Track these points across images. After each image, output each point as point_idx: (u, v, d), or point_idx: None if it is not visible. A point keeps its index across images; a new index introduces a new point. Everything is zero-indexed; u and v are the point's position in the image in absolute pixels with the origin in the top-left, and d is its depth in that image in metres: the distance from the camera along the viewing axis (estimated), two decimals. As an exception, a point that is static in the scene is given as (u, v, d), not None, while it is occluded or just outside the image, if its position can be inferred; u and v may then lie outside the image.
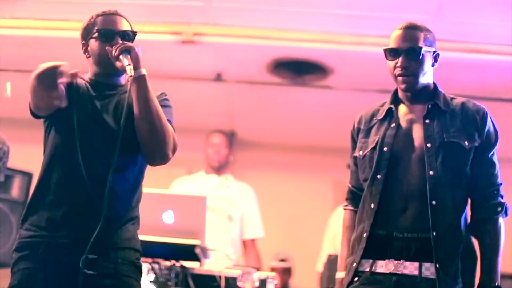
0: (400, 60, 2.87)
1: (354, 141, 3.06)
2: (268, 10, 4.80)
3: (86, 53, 2.85)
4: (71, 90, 2.76)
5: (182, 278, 3.79)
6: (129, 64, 2.64)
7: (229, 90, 6.00)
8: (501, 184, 2.88)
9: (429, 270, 2.80)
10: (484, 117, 2.91)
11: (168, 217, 3.80)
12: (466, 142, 2.86)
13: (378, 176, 2.89)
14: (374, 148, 2.93)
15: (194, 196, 4.15)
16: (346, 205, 3.08)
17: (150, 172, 2.92)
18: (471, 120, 2.90)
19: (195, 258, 3.81)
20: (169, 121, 2.77)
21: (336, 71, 5.37)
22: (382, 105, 3.04)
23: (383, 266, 2.84)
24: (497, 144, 2.91)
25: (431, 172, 2.82)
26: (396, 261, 2.82)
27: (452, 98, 2.98)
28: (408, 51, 2.88)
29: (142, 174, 2.85)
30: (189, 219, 3.88)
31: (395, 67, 2.90)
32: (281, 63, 5.46)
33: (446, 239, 2.81)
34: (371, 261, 2.86)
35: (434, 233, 2.79)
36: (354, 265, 2.87)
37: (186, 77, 5.80)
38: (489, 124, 2.90)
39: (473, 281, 2.86)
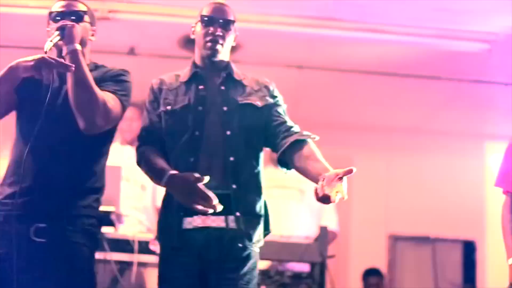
0: (213, 28, 3.13)
1: (155, 98, 3.20)
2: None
3: None
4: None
5: (98, 242, 4.03)
6: (50, 41, 2.89)
7: (142, 64, 6.18)
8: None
9: (232, 222, 3.02)
10: (272, 85, 3.25)
11: (85, 186, 4.01)
12: (259, 102, 3.16)
13: (197, 133, 3.08)
14: (187, 106, 3.13)
15: (109, 166, 4.35)
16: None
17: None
18: (262, 87, 3.23)
19: (110, 223, 4.02)
20: (115, 92, 3.04)
21: (243, 47, 5.62)
22: (179, 73, 3.25)
23: (192, 222, 3.02)
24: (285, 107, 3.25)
25: (228, 132, 3.07)
26: (203, 216, 2.98)
27: (242, 74, 3.26)
28: (225, 22, 3.16)
29: (94, 146, 3.11)
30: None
31: (206, 34, 3.14)
32: (192, 39, 5.70)
33: (243, 192, 3.07)
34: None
35: (234, 186, 3.04)
36: None
37: (101, 50, 5.95)
38: (277, 91, 3.25)
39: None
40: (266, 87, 3.23)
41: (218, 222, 3.01)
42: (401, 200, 8.07)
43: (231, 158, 3.06)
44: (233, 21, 3.20)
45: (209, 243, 3.00)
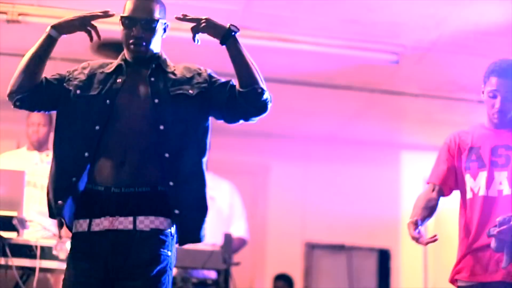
0: (135, 29, 2.93)
1: (72, 71, 3.07)
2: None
3: None
4: None
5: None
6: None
7: (55, 67, 6.13)
8: None
9: (143, 223, 2.84)
10: (207, 70, 3.05)
11: (-12, 190, 3.98)
12: (191, 91, 2.96)
13: (96, 127, 2.90)
14: (95, 96, 2.94)
15: (13, 171, 4.33)
16: None
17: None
18: (195, 74, 3.02)
19: (13, 228, 4.00)
20: None
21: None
22: (110, 62, 3.07)
23: (100, 224, 2.86)
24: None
25: (161, 127, 2.88)
26: (111, 218, 2.84)
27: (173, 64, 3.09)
28: (147, 22, 2.95)
29: None
30: (8, 192, 4.09)
31: (129, 36, 2.96)
32: (105, 44, 5.69)
33: (184, 190, 2.89)
34: (88, 220, 2.89)
35: (171, 183, 2.87)
36: None
37: (12, 53, 5.90)
38: (213, 73, 3.04)
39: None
40: (199, 74, 3.03)
41: (125, 224, 2.84)
42: (318, 208, 8.18)
43: (166, 155, 2.88)
44: (157, 20, 2.98)
45: (116, 247, 2.83)
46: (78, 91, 2.97)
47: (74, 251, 2.94)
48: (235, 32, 3.00)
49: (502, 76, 3.49)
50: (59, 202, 2.93)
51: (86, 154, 2.89)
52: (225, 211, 5.39)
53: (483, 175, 3.46)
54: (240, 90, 2.95)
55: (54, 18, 5.26)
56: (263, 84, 3.00)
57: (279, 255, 7.95)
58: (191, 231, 2.96)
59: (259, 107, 3.00)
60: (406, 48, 5.60)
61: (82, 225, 2.91)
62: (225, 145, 7.44)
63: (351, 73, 6.20)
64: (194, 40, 3.03)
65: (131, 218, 2.84)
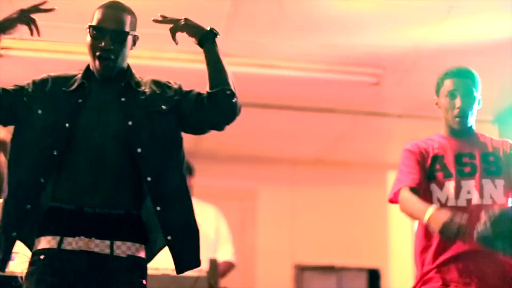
0: (104, 41, 2.78)
1: (28, 91, 2.87)
2: (72, 28, 5.05)
3: None
4: None
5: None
6: None
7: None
8: None
9: (120, 248, 2.76)
10: (174, 82, 2.95)
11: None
12: (163, 106, 2.84)
13: (54, 153, 2.76)
14: (54, 119, 2.80)
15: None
16: None
17: None
18: (164, 88, 2.91)
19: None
20: None
21: (139, 83, 5.65)
22: (74, 76, 2.90)
23: (72, 243, 2.74)
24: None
25: (139, 150, 2.77)
26: (86, 239, 2.73)
27: (139, 77, 2.95)
28: (117, 33, 2.80)
29: None
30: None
31: (96, 48, 2.80)
32: (88, 75, 5.75)
33: (173, 214, 2.81)
34: (58, 237, 2.75)
35: (158, 208, 2.77)
36: None
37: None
38: (179, 83, 2.95)
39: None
40: (169, 87, 2.92)
41: (102, 247, 2.74)
42: (306, 230, 8.21)
43: (148, 178, 2.77)
44: (127, 33, 2.83)
45: (91, 271, 2.73)
46: (39, 111, 2.81)
47: (41, 266, 2.75)
48: (216, 35, 2.99)
49: (458, 76, 3.47)
50: (13, 234, 2.79)
51: (42, 180, 2.77)
52: (211, 236, 5.40)
53: (450, 185, 3.39)
54: (209, 91, 2.87)
55: (36, 51, 5.42)
56: (234, 89, 2.92)
57: (269, 278, 7.95)
58: (189, 256, 2.89)
59: (227, 111, 2.89)
60: (386, 70, 5.67)
61: (50, 242, 2.76)
62: (212, 170, 7.50)
63: (334, 96, 6.27)
64: (174, 40, 2.99)
65: (107, 242, 2.74)
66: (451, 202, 3.38)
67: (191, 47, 5.22)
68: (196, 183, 5.57)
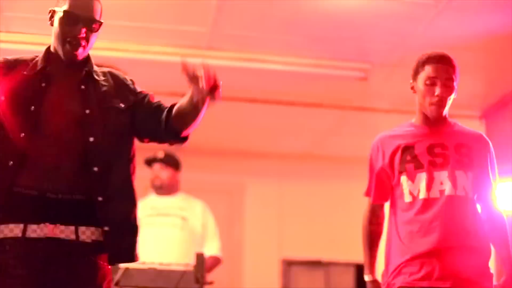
0: (77, 28, 2.76)
1: None
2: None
3: None
4: None
5: None
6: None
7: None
8: None
9: (85, 234, 2.74)
10: (130, 80, 2.93)
11: None
12: (122, 104, 2.85)
13: (21, 134, 2.72)
14: (18, 101, 2.76)
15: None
16: None
17: None
18: (122, 85, 2.90)
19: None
20: None
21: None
22: (32, 60, 2.86)
23: (36, 230, 2.69)
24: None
25: (91, 139, 2.76)
26: (51, 225, 2.70)
27: (97, 65, 2.93)
28: (91, 21, 2.80)
29: None
30: None
31: (68, 33, 2.78)
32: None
33: (113, 207, 2.78)
34: (22, 225, 2.70)
35: (100, 198, 2.75)
36: None
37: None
38: (133, 82, 2.92)
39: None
40: (126, 84, 2.92)
41: (67, 233, 2.71)
42: (294, 224, 8.21)
43: (95, 168, 2.75)
44: (100, 22, 2.83)
45: (57, 257, 2.70)
46: (1, 98, 2.76)
47: (6, 259, 2.68)
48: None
49: (441, 62, 3.37)
50: None
51: (11, 163, 2.71)
52: (198, 231, 5.40)
53: (422, 177, 3.32)
54: (169, 122, 2.84)
55: (23, 44, 5.37)
56: (188, 137, 2.90)
57: (256, 273, 7.96)
58: (124, 249, 2.84)
59: (174, 144, 2.95)
60: (374, 65, 5.66)
61: (13, 230, 2.69)
62: (199, 165, 7.49)
63: (322, 91, 6.26)
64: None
65: (72, 228, 2.72)
66: (423, 195, 3.32)
67: (177, 41, 5.25)
68: (183, 177, 5.57)
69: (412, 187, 3.35)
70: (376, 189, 3.54)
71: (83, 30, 2.78)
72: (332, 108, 6.59)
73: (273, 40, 5.31)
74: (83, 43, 2.79)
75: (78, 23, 2.78)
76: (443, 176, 3.31)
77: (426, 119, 3.42)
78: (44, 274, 2.68)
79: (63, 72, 2.84)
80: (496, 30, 5.06)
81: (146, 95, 2.93)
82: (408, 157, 3.37)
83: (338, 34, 5.23)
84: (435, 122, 3.41)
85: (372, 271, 3.57)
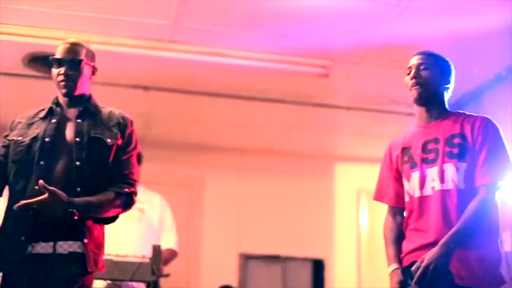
0: (63, 69, 3.38)
1: (10, 130, 3.43)
2: (23, 10, 4.99)
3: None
4: None
5: None
6: None
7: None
8: (133, 180, 3.37)
9: (62, 247, 3.13)
10: (126, 122, 3.42)
11: None
12: (109, 140, 3.34)
13: (41, 163, 3.25)
14: (35, 138, 3.32)
15: None
16: None
17: None
18: (115, 123, 3.41)
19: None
20: None
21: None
22: (43, 109, 3.48)
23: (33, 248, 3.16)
24: (136, 149, 3.42)
25: (77, 163, 3.25)
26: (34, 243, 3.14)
27: (102, 107, 3.48)
28: (72, 62, 3.38)
29: None
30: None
31: (58, 74, 3.40)
32: (36, 57, 5.67)
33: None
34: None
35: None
36: None
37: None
38: (130, 129, 3.42)
39: None
40: (119, 124, 3.42)
41: (46, 248, 3.13)
42: (252, 219, 8.23)
43: (78, 189, 3.19)
44: (81, 60, 3.39)
45: (37, 270, 3.10)
46: (19, 138, 3.34)
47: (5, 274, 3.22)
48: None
49: (426, 53, 3.44)
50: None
51: (29, 186, 3.23)
52: (155, 224, 5.40)
53: (415, 176, 3.35)
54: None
55: (18, 36, 5.33)
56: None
57: (214, 266, 7.97)
58: (94, 262, 3.23)
59: None
60: (335, 62, 5.69)
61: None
62: (160, 157, 7.48)
63: (283, 87, 6.28)
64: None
65: (51, 243, 3.13)
66: (417, 193, 3.35)
67: (140, 33, 5.23)
68: (143, 170, 5.55)
69: (408, 187, 3.41)
70: (394, 193, 3.52)
71: (68, 70, 3.37)
72: (293, 104, 6.60)
73: (235, 35, 5.30)
74: (70, 80, 3.38)
75: (63, 64, 3.39)
76: (434, 172, 3.31)
77: (422, 116, 3.44)
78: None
79: (65, 111, 3.43)
80: (456, 31, 5.12)
81: (125, 149, 3.39)
82: (406, 157, 3.44)
83: (300, 30, 5.24)
84: (429, 118, 3.42)
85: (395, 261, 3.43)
